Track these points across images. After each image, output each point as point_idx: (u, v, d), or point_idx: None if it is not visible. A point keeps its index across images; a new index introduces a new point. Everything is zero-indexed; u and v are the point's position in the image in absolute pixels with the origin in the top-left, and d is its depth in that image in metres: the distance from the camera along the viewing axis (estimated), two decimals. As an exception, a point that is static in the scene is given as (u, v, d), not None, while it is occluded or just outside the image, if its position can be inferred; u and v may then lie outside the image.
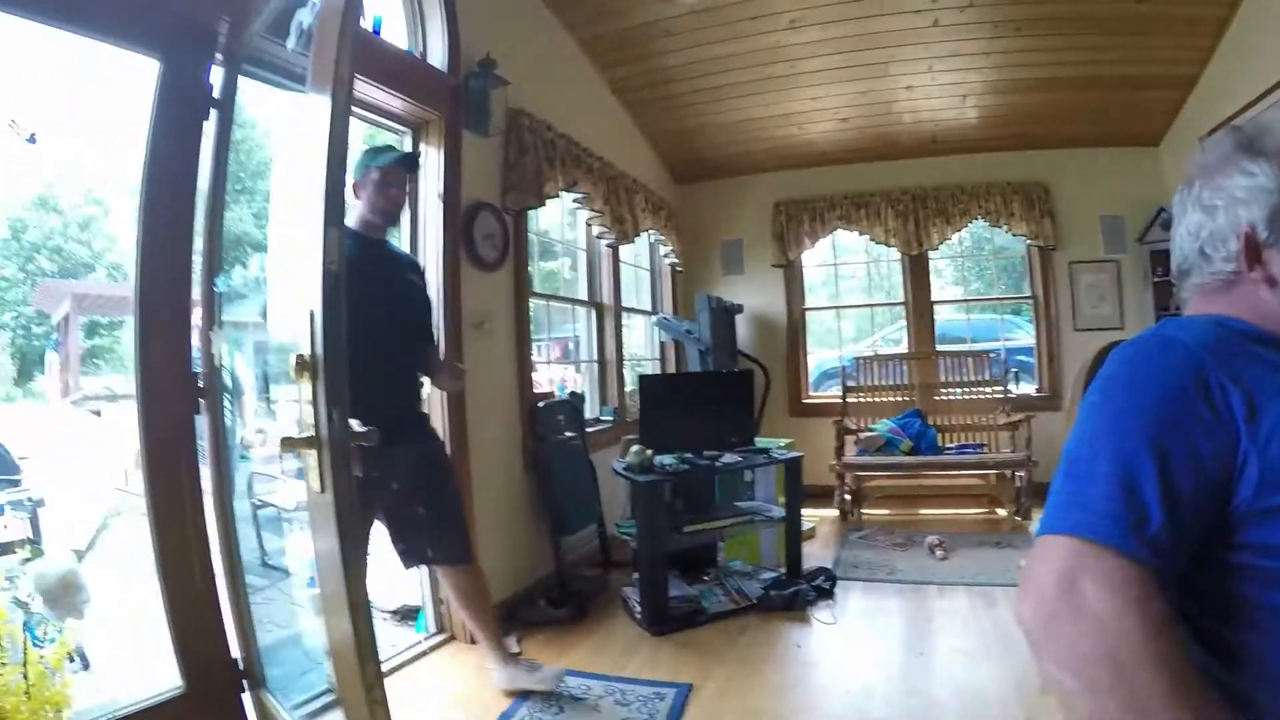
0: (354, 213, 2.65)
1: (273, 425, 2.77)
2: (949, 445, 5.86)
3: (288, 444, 1.51)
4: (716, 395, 4.50)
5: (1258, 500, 0.86)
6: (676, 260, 6.45)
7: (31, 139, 2.65)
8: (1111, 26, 4.85)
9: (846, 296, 7.37)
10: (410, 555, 2.84)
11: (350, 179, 2.52)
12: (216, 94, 2.46)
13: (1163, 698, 0.76)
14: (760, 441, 4.53)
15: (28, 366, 13.24)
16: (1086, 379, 1.10)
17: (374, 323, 2.44)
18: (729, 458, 4.09)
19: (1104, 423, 0.95)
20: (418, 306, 2.91)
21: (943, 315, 7.22)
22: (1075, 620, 0.81)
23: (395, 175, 2.68)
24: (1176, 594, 0.92)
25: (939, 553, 4.49)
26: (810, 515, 4.89)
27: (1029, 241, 6.40)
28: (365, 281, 2.35)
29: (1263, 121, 1.13)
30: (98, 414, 7.95)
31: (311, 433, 1.50)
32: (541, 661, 2.97)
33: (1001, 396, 5.89)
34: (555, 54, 4.72)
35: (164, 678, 2.37)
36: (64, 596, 1.84)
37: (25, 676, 1.82)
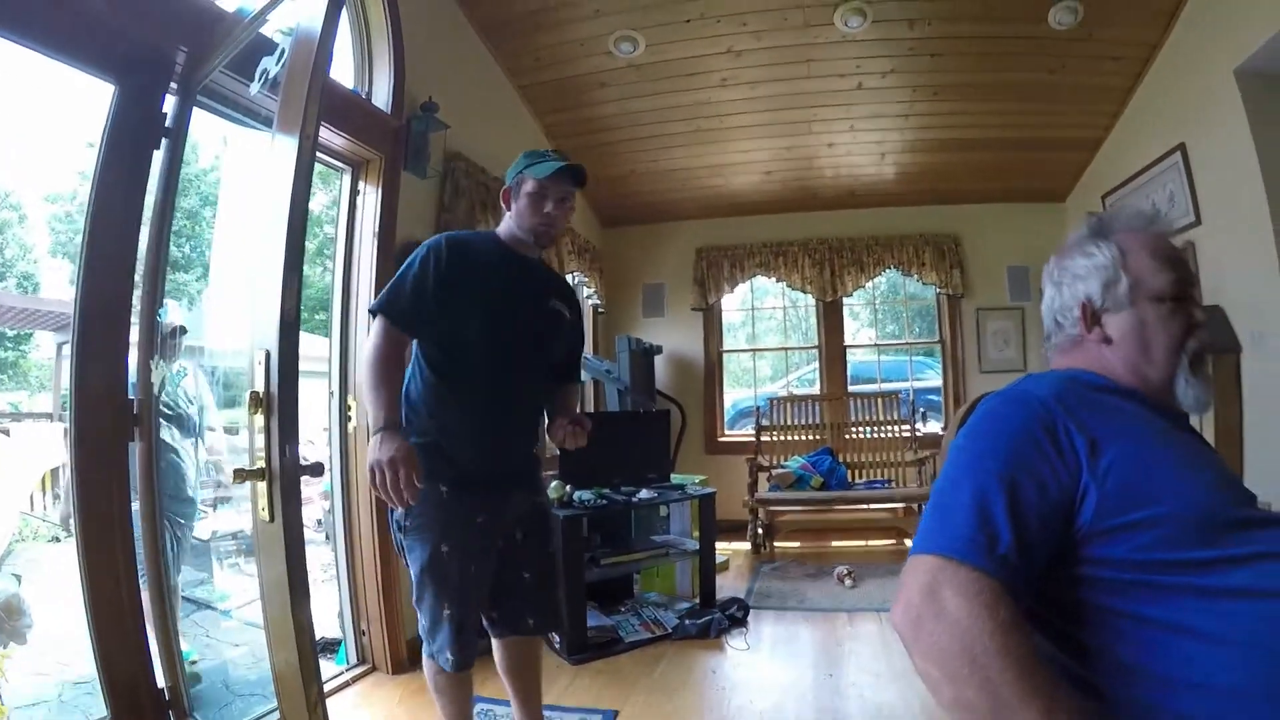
0: (505, 222, 2.34)
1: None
2: (858, 481, 6.11)
3: (240, 475, 1.60)
4: (634, 433, 4.65)
5: (1096, 522, 1.05)
6: (599, 301, 6.62)
7: None
8: (1025, 93, 5.24)
9: (764, 338, 7.63)
10: (504, 624, 2.39)
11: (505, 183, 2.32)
12: (169, 123, 2.50)
13: (1012, 684, 0.91)
14: (676, 478, 4.70)
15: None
16: (960, 424, 1.31)
17: (508, 348, 2.23)
18: (645, 493, 4.22)
19: (966, 462, 1.14)
20: (561, 338, 2.45)
21: (857, 356, 7.52)
22: (937, 622, 0.97)
23: (557, 188, 2.24)
24: (1036, 603, 1.11)
25: (848, 581, 4.68)
26: (724, 549, 5.05)
27: (939, 290, 6.78)
28: (504, 301, 2.22)
29: (1119, 208, 1.39)
30: (5, 433, 7.65)
31: (263, 465, 1.59)
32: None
33: (909, 435, 6.18)
34: (494, 99, 4.86)
35: (80, 710, 2.37)
36: (6, 620, 1.86)
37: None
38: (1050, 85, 5.16)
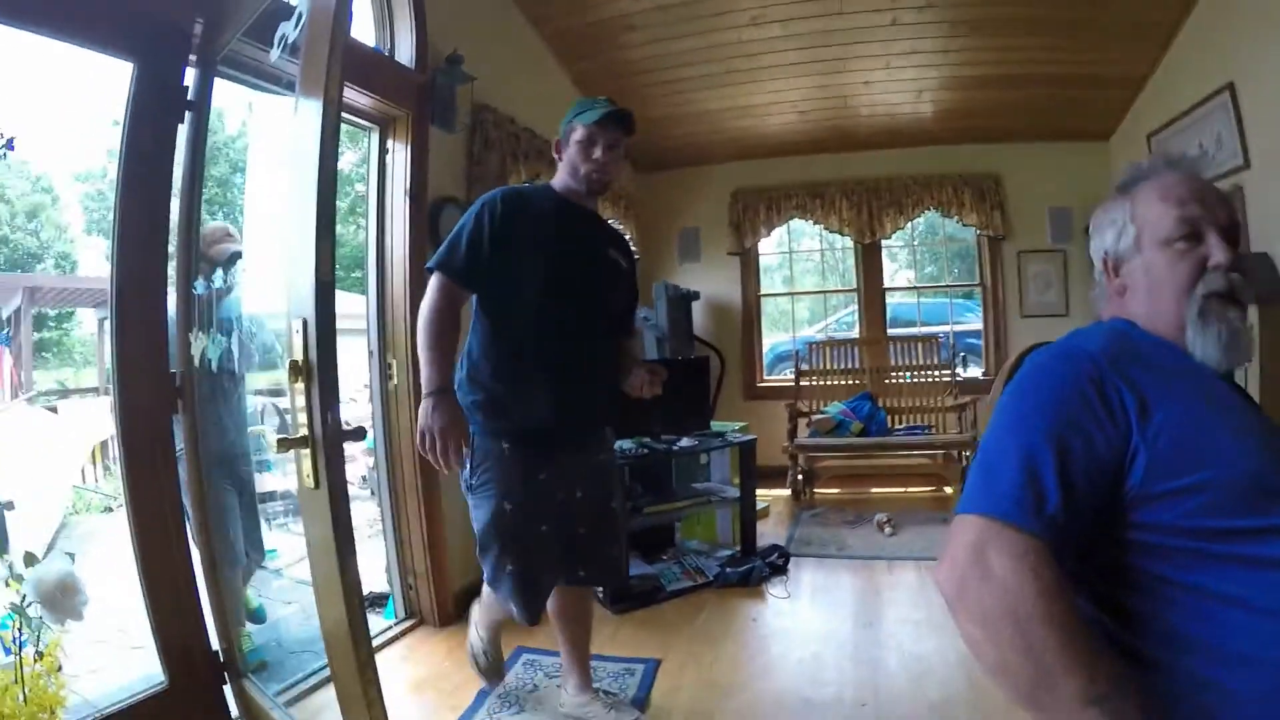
0: (558, 174, 2.34)
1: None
2: (898, 427, 6.07)
3: (284, 443, 1.61)
4: (674, 381, 4.56)
5: (1145, 485, 1.02)
6: (635, 248, 6.50)
7: (9, 145, 2.60)
8: (1065, 28, 5.02)
9: (801, 280, 7.52)
10: (560, 572, 2.38)
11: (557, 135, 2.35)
12: (191, 96, 2.48)
13: (1056, 649, 0.91)
14: (715, 425, 4.69)
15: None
16: (1006, 379, 1.28)
17: (567, 301, 2.22)
18: (686, 442, 4.24)
19: (1013, 420, 1.12)
20: (620, 289, 2.44)
21: (895, 299, 7.44)
22: (982, 583, 0.96)
23: (605, 134, 2.24)
24: (1084, 566, 1.09)
25: (888, 529, 4.69)
26: (764, 495, 5.05)
27: (979, 231, 6.63)
28: (560, 253, 2.22)
29: (1142, 162, 1.33)
30: (53, 410, 7.84)
31: (305, 432, 1.60)
32: (616, 694, 2.77)
33: (949, 380, 6.11)
34: (520, 49, 4.77)
35: (139, 674, 2.44)
36: (63, 599, 1.90)
37: (19, 680, 1.88)
38: (1093, 20, 4.92)
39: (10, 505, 4.31)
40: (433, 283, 2.16)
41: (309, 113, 1.64)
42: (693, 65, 5.27)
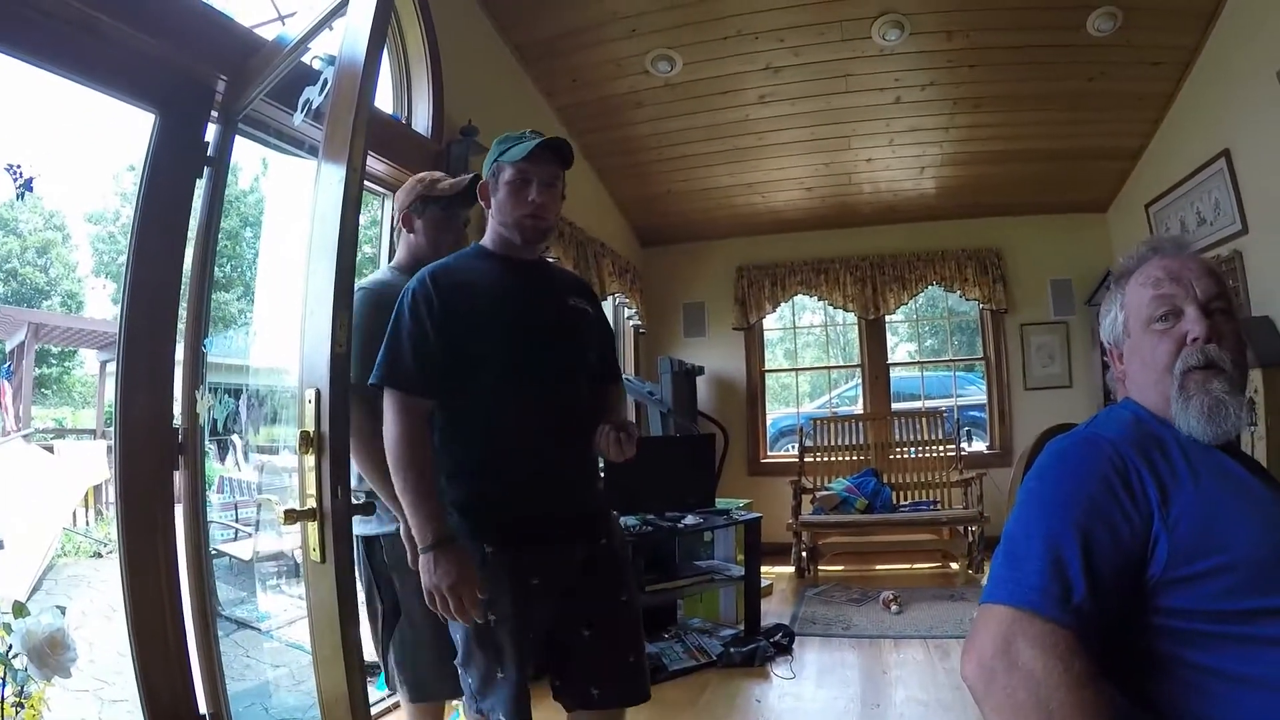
0: (489, 226, 2.00)
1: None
2: (903, 503, 6.00)
3: (290, 516, 1.58)
4: (678, 457, 4.61)
5: (1167, 571, 1.02)
6: (640, 322, 6.55)
7: (29, 185, 2.61)
8: (1064, 103, 5.19)
9: (803, 355, 7.52)
10: (567, 695, 1.93)
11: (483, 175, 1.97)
12: (211, 151, 2.52)
13: None
14: (720, 502, 4.63)
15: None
16: (1026, 464, 1.29)
17: (534, 367, 1.88)
18: (690, 519, 4.18)
19: (1038, 509, 1.12)
20: (589, 341, 2.06)
21: (898, 373, 7.43)
22: (1011, 675, 0.94)
23: (540, 170, 1.88)
24: (1106, 653, 1.06)
25: (894, 607, 4.61)
26: (768, 572, 4.99)
27: (981, 305, 6.69)
28: (516, 319, 1.89)
29: (1134, 251, 1.37)
30: (49, 449, 7.78)
31: (314, 505, 1.57)
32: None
33: (954, 454, 6.07)
34: (532, 121, 4.73)
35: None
36: (51, 655, 1.85)
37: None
38: (1090, 93, 5.11)
39: (0, 544, 4.23)
40: (388, 405, 1.78)
41: (331, 180, 1.64)
42: (699, 142, 5.38)
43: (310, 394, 1.57)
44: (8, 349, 9.07)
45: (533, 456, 1.87)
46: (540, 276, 2.04)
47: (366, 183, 3.36)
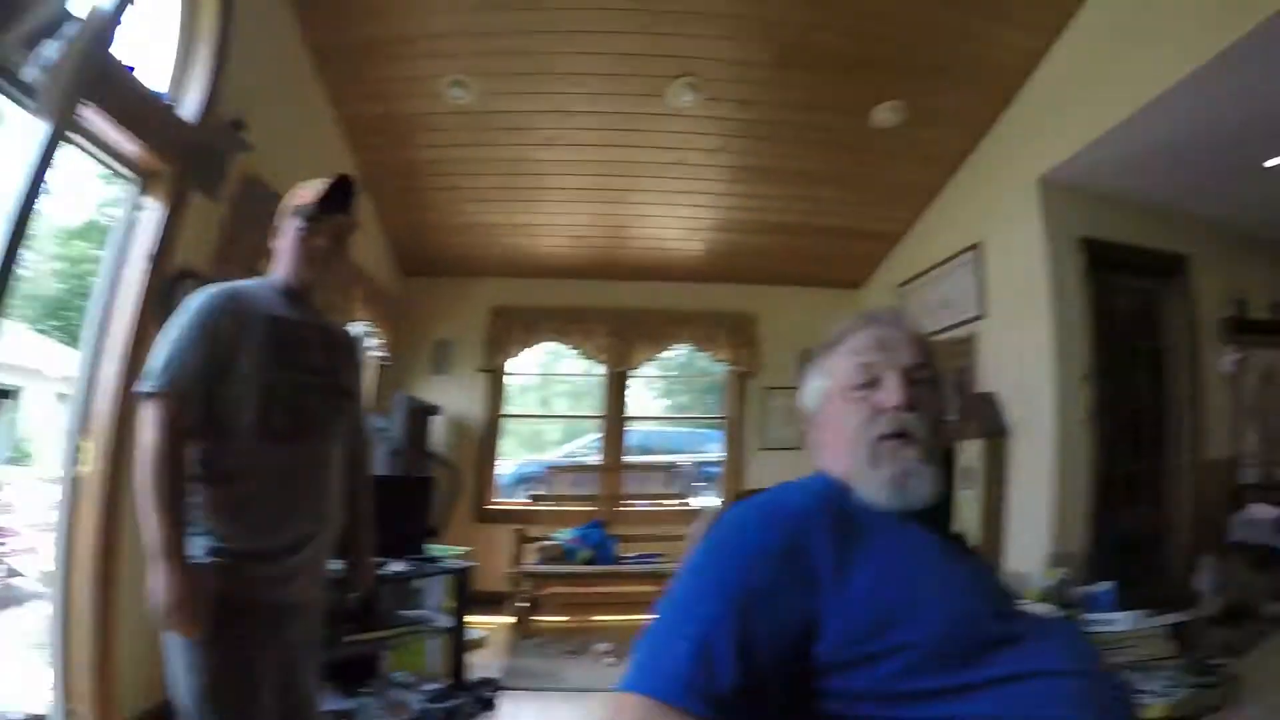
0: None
1: None
2: (629, 555, 6.08)
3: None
4: (394, 499, 4.33)
5: (837, 653, 0.97)
6: (385, 354, 6.25)
7: None
8: (841, 183, 5.56)
9: (556, 403, 7.50)
10: None
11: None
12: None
13: None
14: (437, 549, 4.47)
15: None
16: (707, 531, 1.26)
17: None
18: (397, 566, 3.94)
19: (695, 584, 1.05)
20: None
21: (645, 426, 7.58)
22: None
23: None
24: None
25: (608, 660, 4.66)
26: (487, 623, 4.91)
27: (729, 366, 6.98)
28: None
29: (847, 321, 1.39)
30: None
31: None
32: None
33: (683, 509, 6.26)
34: (312, 126, 4.58)
35: None
36: None
37: None
38: (865, 178, 5.51)
39: None
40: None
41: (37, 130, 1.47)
42: (479, 175, 5.26)
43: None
44: None
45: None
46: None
47: (113, 161, 3.02)
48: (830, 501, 1.14)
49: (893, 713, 0.95)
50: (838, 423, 1.25)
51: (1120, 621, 3.80)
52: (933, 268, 5.81)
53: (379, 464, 5.25)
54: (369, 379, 6.07)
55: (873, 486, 1.16)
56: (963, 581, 1.09)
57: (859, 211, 5.94)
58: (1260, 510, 5.10)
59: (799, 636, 0.97)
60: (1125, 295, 5.23)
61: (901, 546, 1.10)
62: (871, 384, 1.23)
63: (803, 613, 0.98)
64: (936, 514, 1.24)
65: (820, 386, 1.33)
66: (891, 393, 1.21)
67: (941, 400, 1.31)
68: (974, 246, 5.29)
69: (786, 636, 0.96)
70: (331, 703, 3.54)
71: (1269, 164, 4.65)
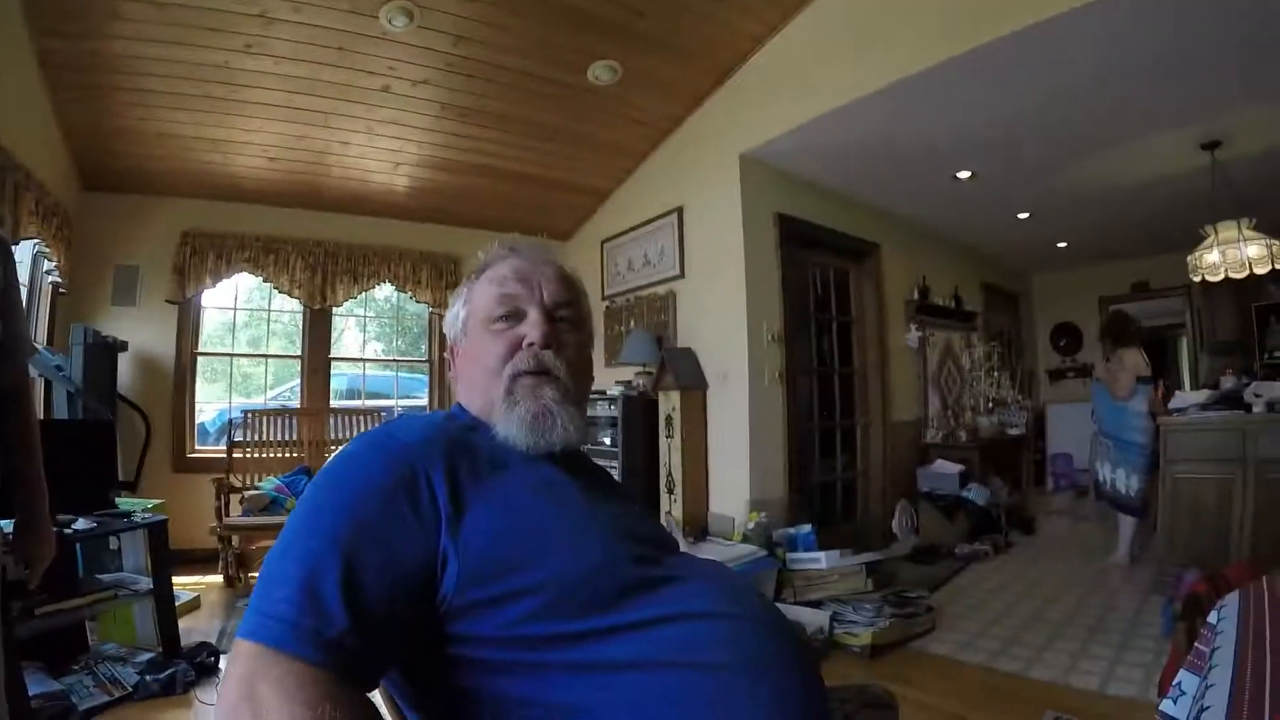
0: None
1: None
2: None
3: None
4: (75, 448, 3.75)
5: (459, 596, 0.93)
6: (60, 280, 5.13)
7: None
8: (551, 134, 5.58)
9: (271, 343, 6.86)
10: None
11: None
12: None
13: None
14: (124, 503, 3.94)
15: None
16: None
17: None
18: (83, 523, 3.41)
19: (302, 521, 0.96)
20: None
21: (348, 369, 7.20)
22: None
23: None
24: (414, 690, 1.01)
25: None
26: (195, 584, 4.44)
27: (431, 309, 6.90)
28: None
29: (491, 248, 1.36)
30: None
31: None
32: None
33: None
34: None
35: None
36: None
37: None
38: (576, 133, 5.59)
39: None
40: None
41: None
42: (171, 79, 4.54)
43: None
44: None
45: None
46: None
47: None
48: (454, 436, 1.10)
49: (528, 657, 0.93)
50: (475, 354, 1.23)
51: (823, 560, 4.25)
52: (638, 226, 6.13)
53: (55, 407, 4.55)
54: (43, 309, 5.11)
55: (509, 424, 1.14)
56: (603, 524, 1.07)
57: (569, 164, 6.06)
58: (944, 466, 5.97)
59: (415, 578, 0.93)
60: (819, 270, 5.89)
61: (532, 487, 1.08)
62: (512, 316, 1.22)
63: (416, 551, 0.94)
64: (578, 455, 1.26)
65: (459, 314, 1.29)
66: (534, 328, 1.19)
67: (586, 342, 1.30)
68: (677, 210, 5.64)
69: (401, 577, 0.92)
70: (37, 685, 3.06)
71: (960, 175, 5.46)
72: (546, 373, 1.15)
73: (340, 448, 1.15)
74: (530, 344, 1.16)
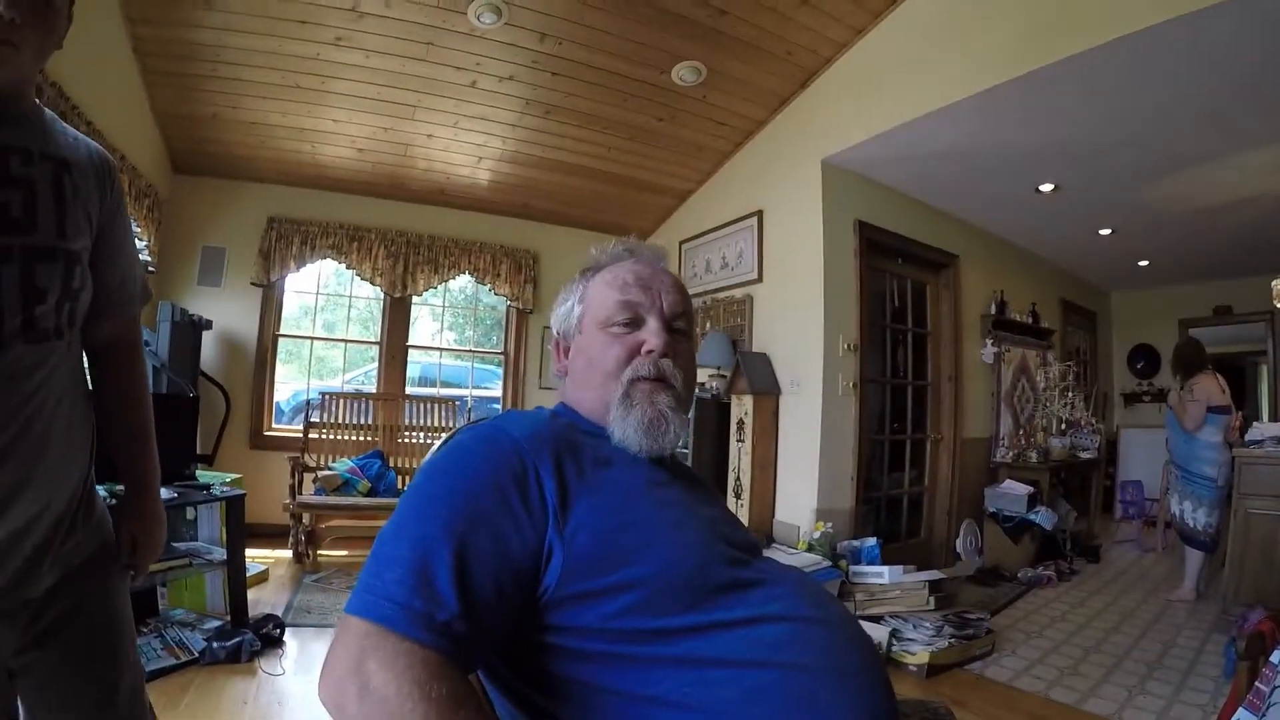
0: None
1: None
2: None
3: None
4: (158, 420, 3.89)
5: (562, 587, 0.95)
6: (150, 258, 5.39)
7: None
8: (633, 134, 5.62)
9: (350, 328, 7.05)
10: None
11: None
12: None
13: None
14: (203, 476, 4.11)
15: None
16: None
17: None
18: (165, 493, 3.54)
19: (415, 507, 0.98)
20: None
21: (424, 357, 7.34)
22: (363, 700, 0.83)
23: None
24: (512, 675, 1.02)
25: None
26: (264, 557, 4.59)
27: (509, 302, 6.99)
28: None
29: (607, 247, 1.36)
30: None
31: None
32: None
33: (463, 443, 6.12)
34: None
35: None
36: None
37: None
38: (658, 132, 5.62)
39: None
40: None
41: None
42: (262, 69, 4.71)
43: None
44: None
45: None
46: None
47: None
48: (561, 434, 1.12)
49: (624, 649, 0.95)
50: (590, 354, 1.24)
51: (886, 575, 4.18)
52: (718, 228, 6.11)
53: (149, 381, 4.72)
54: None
55: (625, 426, 1.16)
56: (702, 525, 1.10)
57: (650, 164, 6.09)
58: (1013, 486, 5.83)
59: (521, 568, 0.96)
60: (897, 279, 5.78)
61: (637, 487, 1.11)
62: (633, 323, 1.23)
63: (524, 543, 0.96)
64: (674, 458, 1.28)
65: (574, 310, 1.30)
66: (654, 336, 1.21)
67: (694, 351, 1.32)
68: (757, 213, 5.60)
69: (508, 567, 0.94)
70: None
71: (1043, 188, 5.32)
72: (664, 380, 1.18)
73: (446, 437, 1.17)
74: (649, 351, 1.18)
